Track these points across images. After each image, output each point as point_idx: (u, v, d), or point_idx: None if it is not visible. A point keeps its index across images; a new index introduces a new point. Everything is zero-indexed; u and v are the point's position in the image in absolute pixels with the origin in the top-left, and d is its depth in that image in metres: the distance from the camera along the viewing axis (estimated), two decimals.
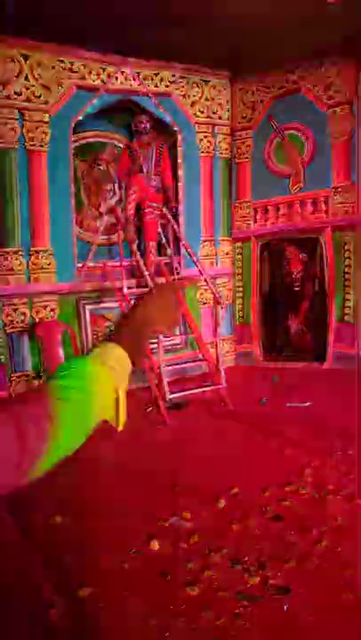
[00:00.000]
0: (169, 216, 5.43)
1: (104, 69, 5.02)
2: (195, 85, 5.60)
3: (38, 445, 0.63)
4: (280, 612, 2.01)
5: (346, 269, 5.48)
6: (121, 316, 0.86)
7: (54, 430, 0.65)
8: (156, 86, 5.36)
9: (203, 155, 5.79)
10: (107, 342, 0.81)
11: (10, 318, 4.69)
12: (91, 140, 5.59)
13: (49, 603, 2.08)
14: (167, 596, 2.12)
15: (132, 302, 0.91)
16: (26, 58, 4.58)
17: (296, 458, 3.42)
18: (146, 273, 4.80)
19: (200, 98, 5.67)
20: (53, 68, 4.73)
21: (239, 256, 6.15)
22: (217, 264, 6.02)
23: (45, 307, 4.89)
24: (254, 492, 2.95)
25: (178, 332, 5.67)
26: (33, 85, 4.65)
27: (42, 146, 4.75)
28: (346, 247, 5.45)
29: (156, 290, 0.91)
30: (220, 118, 5.85)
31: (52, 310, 4.93)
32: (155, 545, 2.47)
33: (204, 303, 5.83)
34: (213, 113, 5.79)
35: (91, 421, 0.73)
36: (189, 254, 5.11)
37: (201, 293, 5.81)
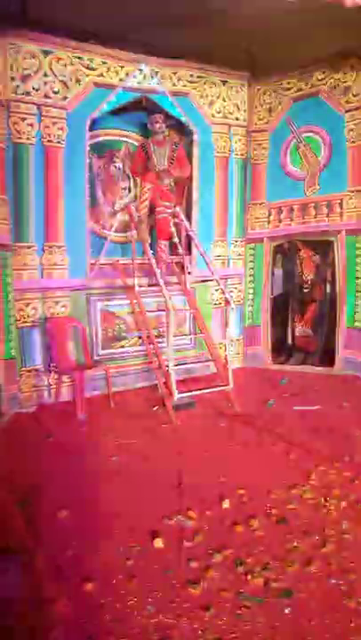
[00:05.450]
0: (182, 215, 5.43)
1: (122, 67, 5.03)
2: (212, 85, 5.59)
3: None
4: (281, 614, 2.01)
5: (358, 274, 5.44)
6: None
7: None
8: (174, 85, 5.36)
9: (218, 155, 5.78)
10: None
11: (22, 313, 4.73)
12: (107, 137, 5.62)
13: (52, 597, 2.10)
14: (170, 594, 2.14)
15: None
16: (45, 54, 4.61)
17: (302, 461, 3.41)
18: (157, 271, 4.81)
19: (217, 98, 5.66)
20: (72, 64, 4.76)
21: (251, 257, 6.14)
22: (229, 265, 6.02)
23: (57, 302, 4.92)
24: (260, 494, 2.96)
25: (187, 332, 5.68)
26: (52, 81, 4.68)
27: (59, 142, 4.78)
28: (359, 251, 5.41)
29: None
30: (236, 119, 5.84)
31: (64, 306, 4.96)
32: (159, 543, 2.49)
33: (215, 304, 5.83)
34: (230, 114, 5.78)
35: None
36: (201, 254, 5.11)
37: (212, 294, 5.81)
